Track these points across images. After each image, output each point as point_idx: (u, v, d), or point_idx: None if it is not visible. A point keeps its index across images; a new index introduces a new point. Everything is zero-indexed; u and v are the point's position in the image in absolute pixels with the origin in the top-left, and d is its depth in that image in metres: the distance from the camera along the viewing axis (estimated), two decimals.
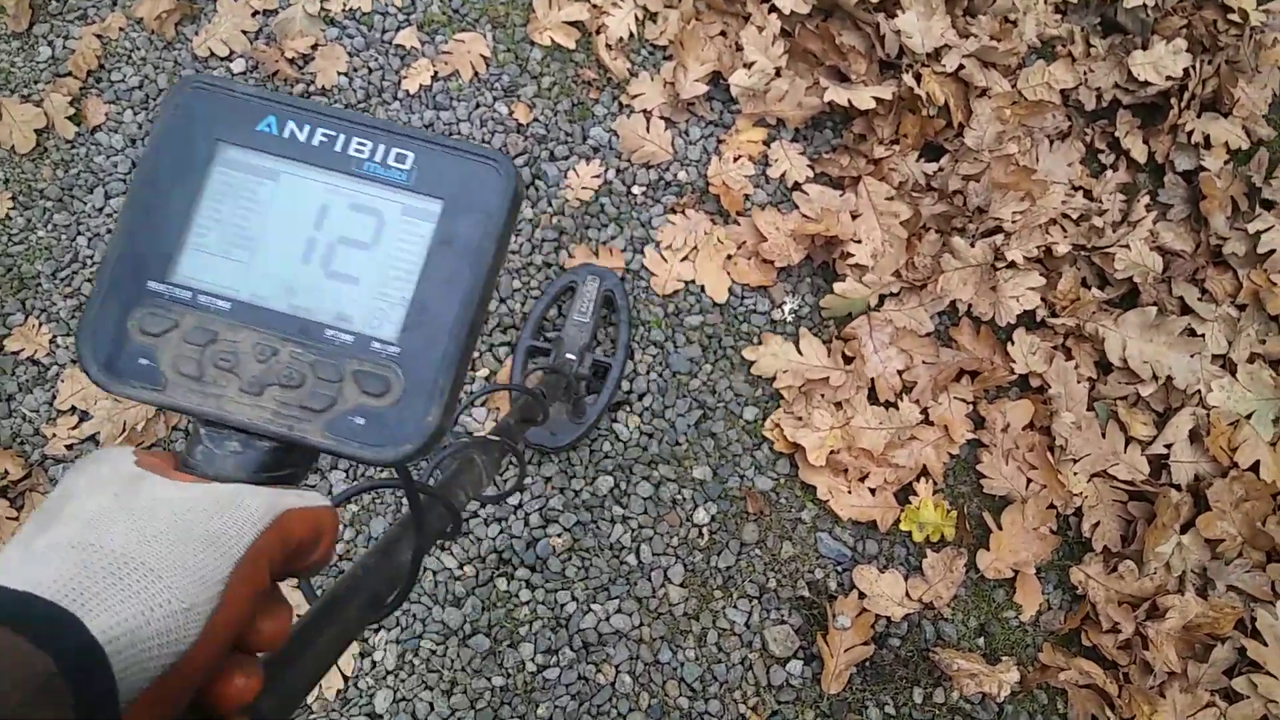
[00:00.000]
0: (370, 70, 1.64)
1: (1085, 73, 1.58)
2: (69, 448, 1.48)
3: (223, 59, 1.64)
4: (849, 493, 1.41)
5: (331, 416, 0.42)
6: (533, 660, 1.36)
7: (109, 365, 0.43)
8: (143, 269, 0.43)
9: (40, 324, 1.53)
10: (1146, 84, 1.55)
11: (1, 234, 1.57)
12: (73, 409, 1.49)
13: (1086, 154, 1.58)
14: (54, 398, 1.50)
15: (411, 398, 0.43)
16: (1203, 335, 1.42)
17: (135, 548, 0.33)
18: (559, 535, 1.41)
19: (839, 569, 1.40)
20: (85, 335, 0.43)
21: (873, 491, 1.41)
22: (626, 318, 1.49)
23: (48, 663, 0.28)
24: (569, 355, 1.38)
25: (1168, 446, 1.36)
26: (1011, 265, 1.47)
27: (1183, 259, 1.48)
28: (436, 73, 1.64)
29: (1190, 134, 1.53)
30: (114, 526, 0.34)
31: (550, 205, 1.57)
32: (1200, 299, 1.46)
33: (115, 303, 0.43)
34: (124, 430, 1.46)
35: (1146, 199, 1.51)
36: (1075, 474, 1.37)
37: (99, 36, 1.64)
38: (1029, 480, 1.40)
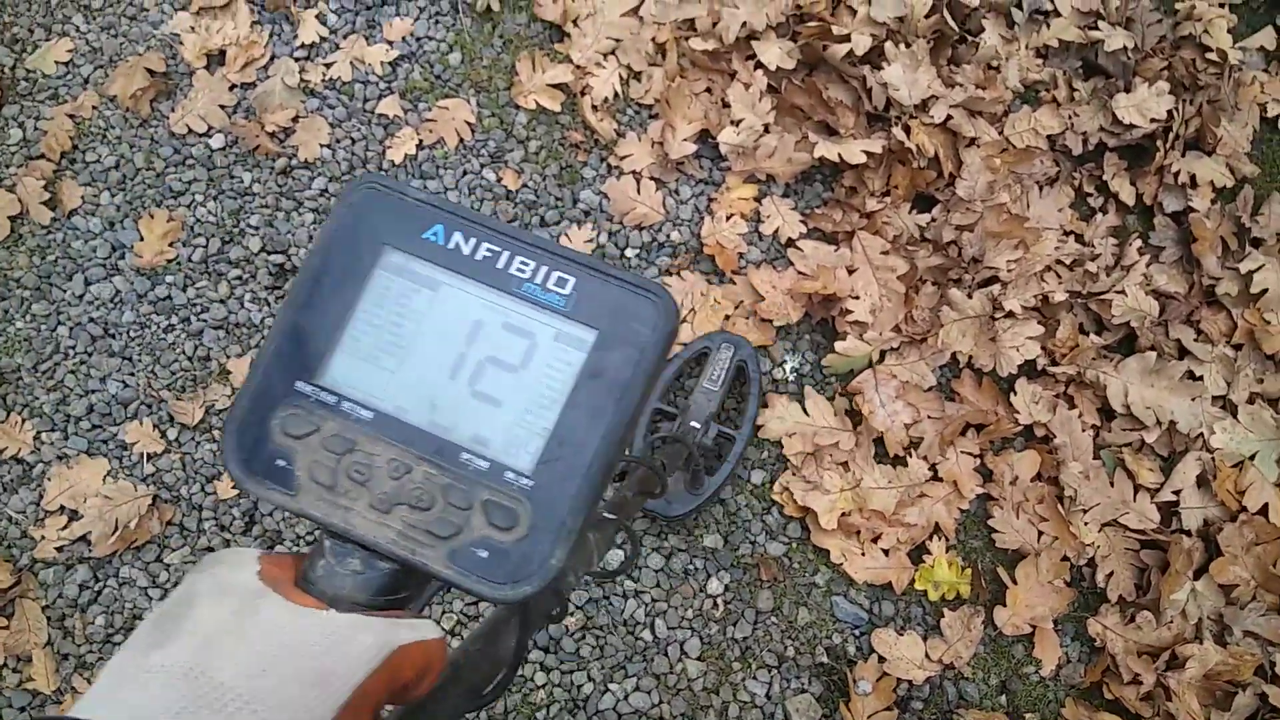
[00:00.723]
0: (354, 141, 1.61)
1: (1070, 117, 1.59)
2: (59, 550, 1.43)
3: (201, 135, 1.60)
4: (863, 555, 1.40)
5: (455, 545, 0.41)
6: None
7: (248, 463, 0.42)
8: (294, 367, 0.43)
9: (23, 420, 1.48)
10: (1131, 126, 1.56)
11: None
12: (61, 508, 1.45)
13: (1076, 198, 1.59)
14: (41, 497, 1.46)
15: (537, 535, 0.41)
16: (1202, 377, 1.43)
17: (244, 680, 0.32)
18: (571, 614, 1.39)
19: (856, 633, 1.40)
20: (231, 429, 0.43)
21: (886, 552, 1.41)
22: (757, 390, 1.46)
23: None
24: (694, 424, 1.35)
25: (1176, 493, 1.37)
26: (1010, 315, 1.47)
27: (1177, 301, 1.49)
28: (421, 141, 1.61)
29: (1176, 174, 1.55)
30: (228, 653, 0.33)
31: None
32: (1196, 340, 1.47)
33: (263, 399, 0.43)
34: (116, 529, 1.42)
35: (1138, 242, 1.52)
36: (1086, 524, 1.37)
37: (71, 116, 1.60)
38: (1040, 532, 1.40)
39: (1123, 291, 1.46)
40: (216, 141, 1.60)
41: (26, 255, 1.55)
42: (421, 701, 0.51)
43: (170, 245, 1.55)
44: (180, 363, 1.51)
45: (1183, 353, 1.47)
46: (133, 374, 1.51)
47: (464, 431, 0.43)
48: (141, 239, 1.55)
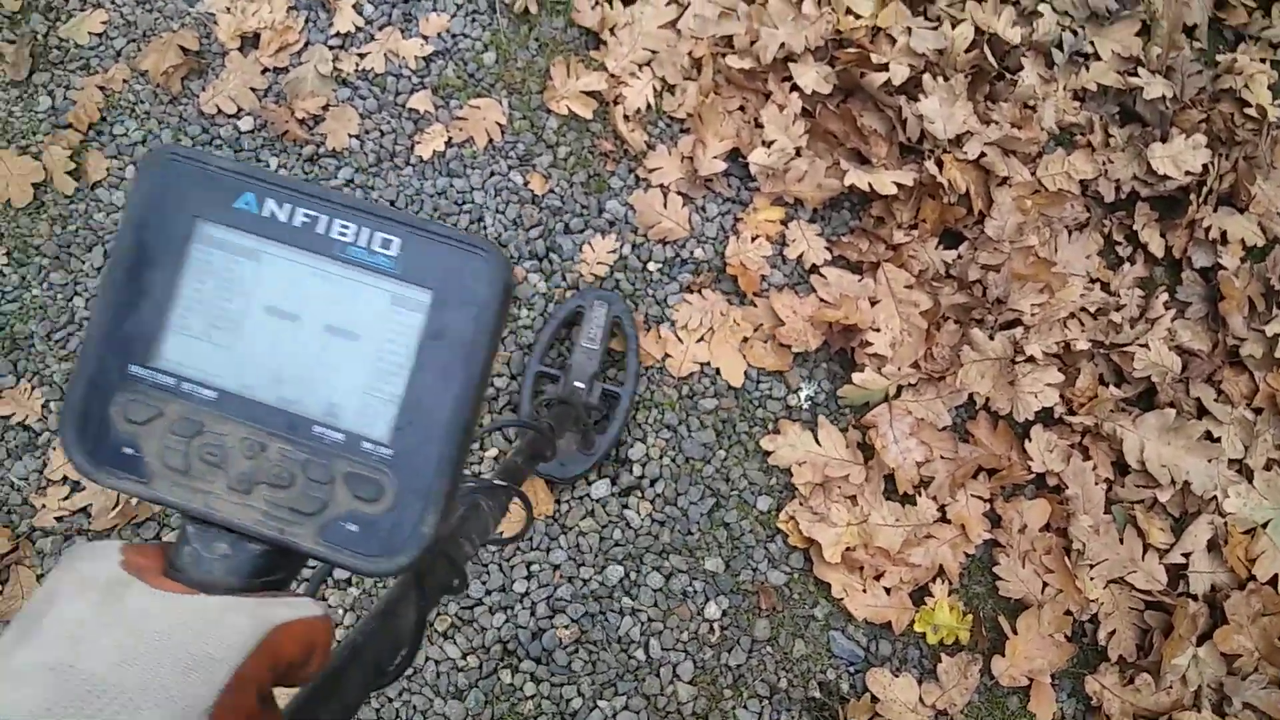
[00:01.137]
0: (382, 133, 1.60)
1: (1104, 163, 1.58)
2: (59, 520, 1.43)
3: (230, 116, 1.59)
4: (864, 591, 1.39)
5: (324, 521, 0.40)
6: None
7: (93, 453, 0.41)
8: (125, 351, 0.41)
9: (32, 387, 1.48)
10: (1165, 177, 1.55)
11: None
12: (64, 479, 1.44)
13: (1104, 246, 1.57)
14: (45, 466, 1.45)
15: (405, 504, 0.41)
16: (1220, 439, 1.41)
17: (114, 671, 0.31)
18: (566, 626, 1.38)
19: (851, 670, 1.38)
20: (68, 419, 0.41)
21: (888, 591, 1.39)
22: (635, 345, 1.47)
23: None
24: (577, 384, 1.36)
25: (1186, 555, 1.36)
26: (1030, 360, 1.46)
27: (1200, 359, 1.47)
28: (450, 139, 1.60)
29: (1208, 230, 1.53)
30: (94, 643, 0.32)
31: (565, 279, 1.54)
32: (1217, 400, 1.45)
33: (98, 387, 0.41)
34: (117, 504, 1.42)
35: (1165, 295, 1.50)
36: (1092, 579, 1.36)
37: (102, 88, 1.60)
38: (1045, 584, 1.38)
39: (1146, 345, 1.44)
40: (245, 124, 1.59)
41: (48, 224, 1.54)
42: (322, 682, 0.50)
43: None
44: None
45: (1202, 412, 1.46)
46: None
47: (314, 404, 0.41)
48: None
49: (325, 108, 1.60)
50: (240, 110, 1.59)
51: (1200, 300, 1.52)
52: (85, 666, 0.31)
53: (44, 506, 1.43)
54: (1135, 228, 1.57)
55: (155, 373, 0.41)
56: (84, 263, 1.53)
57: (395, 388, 0.41)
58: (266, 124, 1.59)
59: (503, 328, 0.43)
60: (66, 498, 1.43)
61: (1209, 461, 1.39)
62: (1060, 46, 1.63)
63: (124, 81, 1.60)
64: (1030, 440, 1.44)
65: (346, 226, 0.42)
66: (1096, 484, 1.41)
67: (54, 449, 1.45)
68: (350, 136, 1.60)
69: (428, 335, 0.41)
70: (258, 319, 0.41)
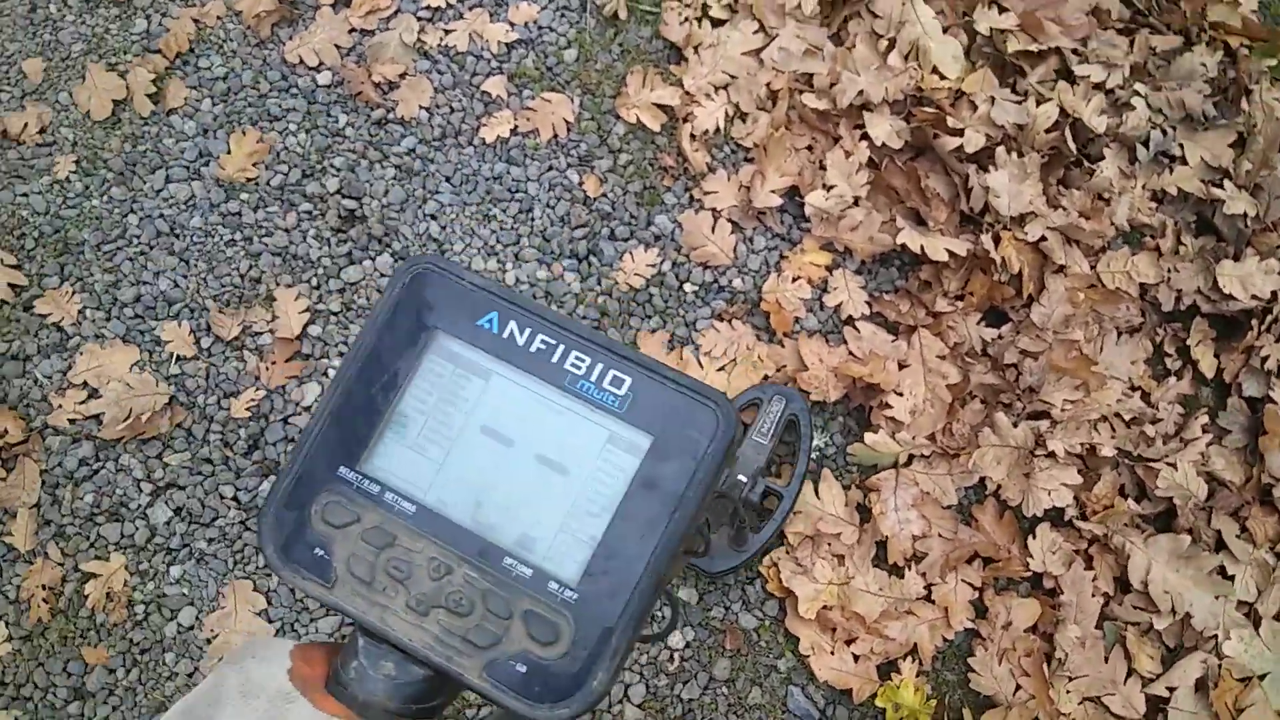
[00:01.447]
0: (452, 110, 1.63)
1: (1169, 270, 1.52)
2: (71, 421, 1.47)
3: (310, 68, 1.63)
4: (832, 654, 1.36)
5: (493, 656, 0.40)
6: None
7: (285, 549, 0.41)
8: (339, 451, 0.41)
9: (73, 292, 1.53)
10: (1230, 297, 1.49)
11: (58, 195, 1.57)
12: (85, 384, 1.49)
13: (1153, 354, 1.52)
14: (69, 368, 1.50)
15: (580, 652, 0.39)
16: (1234, 577, 1.35)
17: None
18: None
19: None
20: (270, 510, 0.41)
21: (856, 658, 1.36)
22: (808, 446, 1.40)
23: None
24: (741, 478, 1.28)
25: (1170, 689, 1.30)
26: (1051, 455, 1.41)
27: (1230, 491, 1.41)
28: (516, 127, 1.62)
29: (1264, 359, 1.47)
30: None
31: (599, 284, 1.54)
32: (1239, 537, 1.38)
33: (304, 483, 0.41)
34: (129, 417, 1.45)
35: (1205, 418, 1.44)
36: (1068, 692, 1.31)
37: (196, 21, 1.65)
38: (1019, 686, 1.34)
39: (1174, 465, 1.39)
40: (323, 78, 1.63)
41: (120, 140, 1.59)
42: None
43: (254, 165, 1.58)
44: (232, 278, 1.54)
45: (1220, 546, 1.39)
46: (185, 277, 1.54)
47: (508, 534, 0.41)
48: (229, 152, 1.58)
49: (402, 76, 1.63)
50: (321, 64, 1.63)
51: (1241, 430, 1.45)
52: None
53: (60, 406, 1.47)
54: (1189, 342, 1.51)
55: (363, 477, 0.42)
56: (146, 183, 1.58)
57: (594, 530, 0.41)
58: (343, 81, 1.62)
59: (718, 483, 0.42)
60: (83, 402, 1.48)
61: (1216, 598, 1.33)
62: (1147, 144, 1.58)
63: (218, 18, 1.65)
64: (1034, 537, 1.39)
65: (582, 359, 0.42)
66: (1094, 595, 1.35)
67: (81, 354, 1.50)
68: (421, 108, 1.62)
69: (639, 482, 0.41)
70: (472, 438, 0.42)
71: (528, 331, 0.42)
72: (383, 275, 1.53)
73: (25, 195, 1.56)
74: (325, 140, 1.61)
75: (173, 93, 1.61)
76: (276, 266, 1.55)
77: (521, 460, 0.41)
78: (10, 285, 1.53)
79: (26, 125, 1.59)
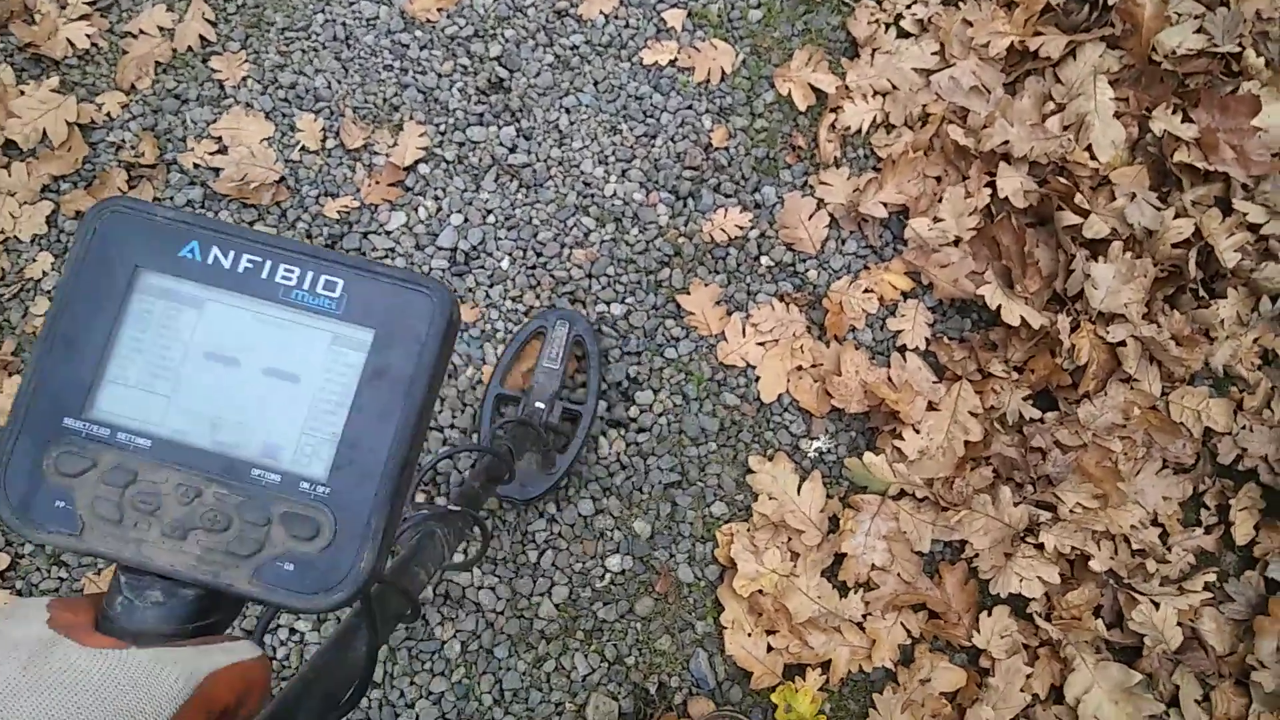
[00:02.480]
0: (626, 24, 1.70)
1: (1243, 428, 1.45)
2: (195, 166, 1.63)
3: None
4: (749, 635, 1.37)
5: (259, 562, 0.41)
6: None
7: (23, 508, 0.41)
8: (59, 405, 0.42)
9: (245, 61, 1.68)
10: None
11: None
12: (219, 139, 1.64)
13: (1189, 499, 1.45)
14: (213, 122, 1.65)
15: (343, 541, 0.41)
16: None
17: None
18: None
19: (694, 689, 1.37)
20: None
21: (770, 649, 1.37)
22: (597, 363, 1.45)
23: None
24: (538, 404, 1.34)
25: None
26: (1039, 547, 1.38)
27: (1205, 655, 1.34)
28: (676, 60, 1.68)
29: None
30: (21, 709, 0.32)
31: (685, 225, 1.59)
32: (1198, 702, 1.32)
33: (30, 440, 0.41)
34: (242, 180, 1.60)
35: (1213, 577, 1.37)
36: None
37: None
38: None
39: (1157, 605, 1.33)
40: None
41: None
42: (274, 714, 0.51)
43: (438, 10, 1.70)
44: (376, 99, 1.67)
45: (1174, 703, 1.33)
46: (339, 82, 1.68)
47: (251, 447, 0.42)
48: None
49: None
50: None
51: (1246, 605, 1.38)
52: None
53: (192, 150, 1.63)
54: (1232, 503, 1.43)
55: (90, 424, 0.42)
56: None
57: (334, 426, 0.42)
58: None
59: (445, 364, 0.44)
60: (212, 153, 1.63)
61: None
62: (1275, 300, 1.50)
63: None
64: (989, 615, 1.37)
65: (290, 270, 0.43)
66: (1022, 691, 1.32)
67: (226, 113, 1.65)
68: (601, 13, 1.70)
69: (368, 374, 0.42)
70: (197, 365, 0.42)
71: (231, 253, 0.43)
72: (500, 144, 1.63)
73: None
74: (507, 11, 1.71)
75: None
76: (416, 102, 1.66)
77: (251, 376, 0.42)
78: (200, 37, 1.70)
79: None
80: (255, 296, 0.43)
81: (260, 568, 0.41)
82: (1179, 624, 1.33)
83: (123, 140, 1.64)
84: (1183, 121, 1.56)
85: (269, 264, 0.43)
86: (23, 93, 1.64)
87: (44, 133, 1.62)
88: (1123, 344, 1.44)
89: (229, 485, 0.41)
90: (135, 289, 0.42)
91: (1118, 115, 1.57)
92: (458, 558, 1.41)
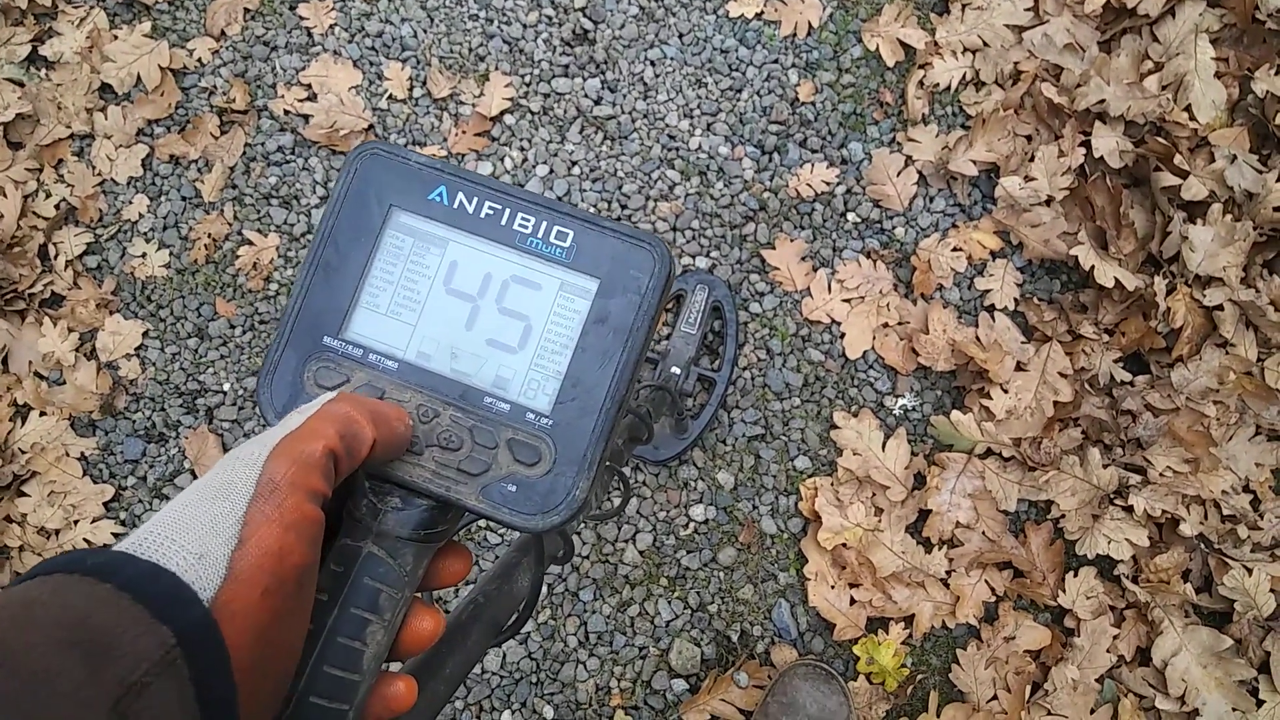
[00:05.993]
0: None
1: None
2: (285, 113, 1.64)
3: None
4: (832, 588, 1.38)
5: (485, 481, 0.44)
6: None
7: (285, 413, 0.44)
8: (319, 324, 0.47)
9: (333, 8, 1.69)
10: None
11: None
12: (309, 86, 1.66)
13: None
14: (303, 69, 1.67)
15: (561, 469, 0.44)
16: (1263, 702, 1.28)
17: (164, 520, 0.34)
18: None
19: (776, 638, 1.39)
20: (265, 382, 0.47)
21: (853, 601, 1.38)
22: (735, 330, 1.47)
23: (167, 635, 0.30)
24: (674, 369, 1.37)
25: None
26: (1128, 509, 1.37)
27: None
28: (762, 13, 1.66)
29: None
30: (173, 502, 0.35)
31: (770, 180, 1.58)
32: None
33: (293, 354, 0.47)
34: (331, 127, 1.61)
35: None
36: None
37: None
38: (995, 697, 1.32)
39: (1250, 570, 1.32)
40: None
41: None
42: (448, 635, 0.56)
43: None
44: (461, 49, 1.67)
45: (1264, 669, 1.32)
46: (426, 31, 1.68)
47: (484, 377, 0.46)
48: None
49: None
50: None
51: None
52: (153, 519, 0.34)
53: (282, 97, 1.65)
54: None
55: (345, 344, 0.46)
56: None
57: (559, 365, 0.46)
58: None
59: (660, 316, 0.47)
60: (302, 100, 1.65)
61: (1233, 710, 1.27)
62: None
63: None
64: (1075, 575, 1.36)
65: (527, 220, 0.47)
66: (1108, 652, 1.32)
67: (315, 62, 1.67)
68: None
69: (591, 319, 0.46)
70: (439, 298, 0.47)
71: (475, 200, 0.47)
72: (585, 95, 1.63)
73: None
74: None
75: None
76: (502, 53, 1.66)
77: (487, 313, 0.46)
78: None
79: None
80: (495, 241, 0.47)
81: (487, 486, 0.44)
82: (1271, 590, 1.32)
83: (214, 85, 1.66)
84: None
85: (508, 212, 0.47)
86: (116, 37, 1.67)
87: (138, 77, 1.64)
88: (1220, 308, 1.42)
89: (464, 410, 0.46)
90: (389, 225, 0.47)
91: (1218, 75, 1.53)
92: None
